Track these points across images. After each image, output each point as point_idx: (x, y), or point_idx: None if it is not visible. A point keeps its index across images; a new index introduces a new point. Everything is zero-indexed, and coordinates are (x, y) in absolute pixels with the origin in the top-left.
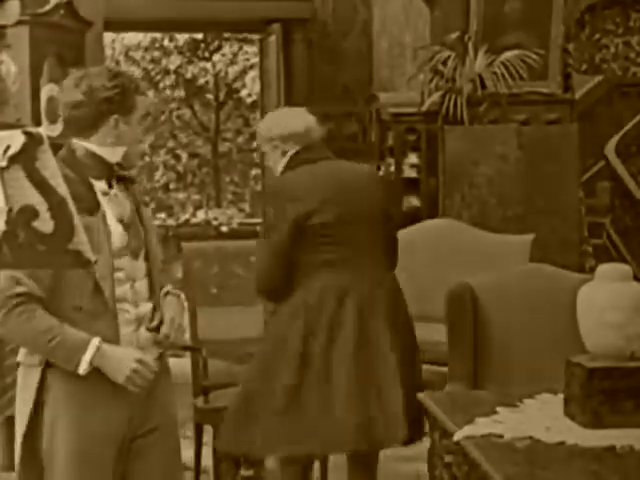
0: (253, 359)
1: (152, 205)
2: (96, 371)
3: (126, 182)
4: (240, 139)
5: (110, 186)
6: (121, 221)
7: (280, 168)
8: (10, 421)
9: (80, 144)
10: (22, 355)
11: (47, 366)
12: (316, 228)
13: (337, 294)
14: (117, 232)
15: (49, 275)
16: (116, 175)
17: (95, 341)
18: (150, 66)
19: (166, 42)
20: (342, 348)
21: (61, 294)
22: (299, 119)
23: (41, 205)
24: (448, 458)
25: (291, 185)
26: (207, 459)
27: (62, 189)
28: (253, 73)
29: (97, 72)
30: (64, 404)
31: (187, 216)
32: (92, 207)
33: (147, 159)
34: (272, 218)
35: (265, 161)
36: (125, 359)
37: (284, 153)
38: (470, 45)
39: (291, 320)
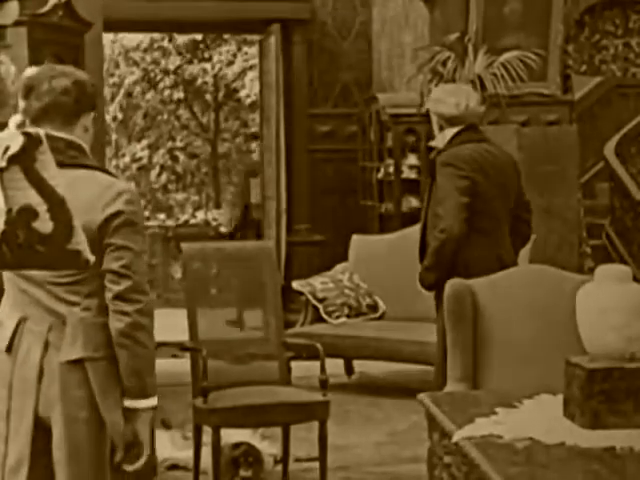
0: None
1: (151, 206)
2: None
3: None
4: (239, 140)
5: None
6: None
7: None
8: None
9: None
10: None
11: None
12: None
13: None
14: None
15: None
16: None
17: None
18: (149, 67)
19: (165, 43)
20: None
21: None
22: None
23: (40, 205)
24: (447, 459)
25: None
26: (206, 459)
27: (61, 189)
28: (252, 74)
29: (71, 69)
30: None
31: (186, 217)
32: None
33: (146, 160)
34: None
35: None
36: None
37: None
38: (470, 46)
39: None
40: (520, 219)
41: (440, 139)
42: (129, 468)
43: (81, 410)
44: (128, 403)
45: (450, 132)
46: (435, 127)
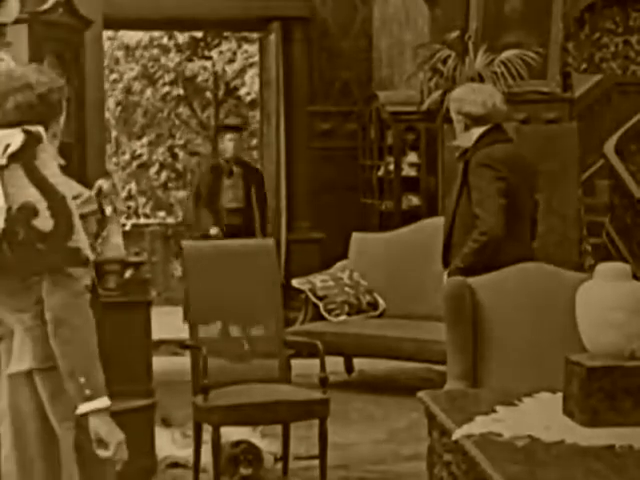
0: None
1: (151, 203)
2: None
3: None
4: None
5: None
6: None
7: None
8: None
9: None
10: None
11: None
12: None
13: None
14: None
15: None
16: None
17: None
18: (149, 64)
19: (165, 40)
20: None
21: None
22: None
23: (40, 203)
24: (447, 457)
25: None
26: (206, 457)
27: (62, 187)
28: (252, 71)
29: (33, 78)
30: None
31: None
32: None
33: (145, 157)
34: None
35: None
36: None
37: None
38: (470, 44)
39: None
40: (531, 218)
41: (465, 138)
42: (117, 466)
43: (30, 423)
44: (78, 410)
45: (477, 131)
46: (458, 127)
